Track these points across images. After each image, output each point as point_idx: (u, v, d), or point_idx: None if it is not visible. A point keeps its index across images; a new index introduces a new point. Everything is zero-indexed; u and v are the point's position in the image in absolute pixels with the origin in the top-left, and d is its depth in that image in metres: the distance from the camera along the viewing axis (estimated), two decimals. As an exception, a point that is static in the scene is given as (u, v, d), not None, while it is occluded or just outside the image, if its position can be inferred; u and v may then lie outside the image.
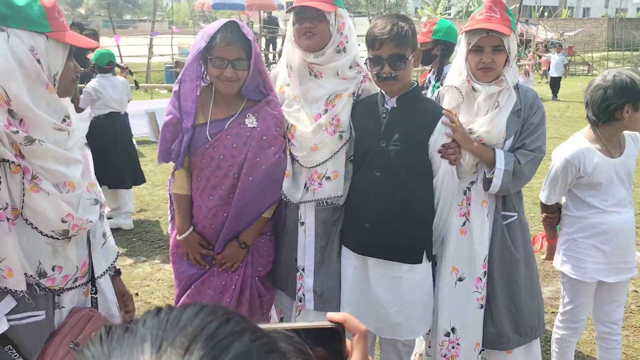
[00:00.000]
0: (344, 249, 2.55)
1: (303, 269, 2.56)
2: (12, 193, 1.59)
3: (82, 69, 1.95)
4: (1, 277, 1.59)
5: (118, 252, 2.06)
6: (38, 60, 1.58)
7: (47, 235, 1.66)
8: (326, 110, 2.42)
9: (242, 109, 2.44)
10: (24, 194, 1.60)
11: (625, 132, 2.69)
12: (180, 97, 2.43)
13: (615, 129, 2.62)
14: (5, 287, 1.61)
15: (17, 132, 1.53)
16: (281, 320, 2.73)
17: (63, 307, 1.81)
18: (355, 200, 2.47)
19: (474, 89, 2.38)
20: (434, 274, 2.54)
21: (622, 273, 2.71)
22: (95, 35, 9.42)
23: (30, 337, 1.72)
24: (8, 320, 1.65)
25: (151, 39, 15.56)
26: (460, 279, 2.46)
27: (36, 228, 1.64)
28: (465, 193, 2.45)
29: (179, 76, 2.49)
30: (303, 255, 2.56)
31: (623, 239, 2.69)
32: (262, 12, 17.03)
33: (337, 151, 2.43)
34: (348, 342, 0.72)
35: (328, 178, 2.44)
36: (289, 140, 2.49)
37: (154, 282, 4.43)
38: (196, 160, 2.47)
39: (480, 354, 2.52)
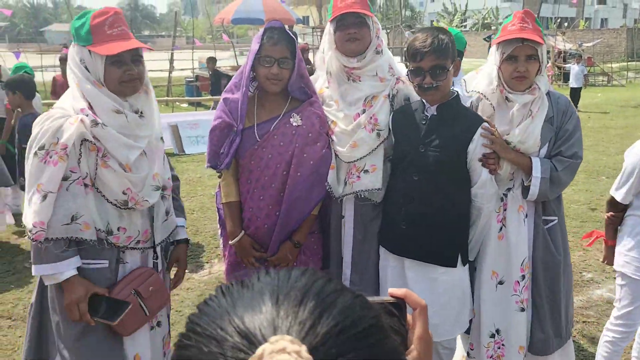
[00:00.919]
0: (381, 249, 2.64)
1: (343, 260, 2.68)
2: (89, 166, 2.04)
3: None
4: (79, 230, 2.03)
5: (175, 227, 2.43)
6: (86, 67, 2.04)
7: (111, 203, 2.09)
8: (364, 110, 2.54)
9: (286, 110, 2.58)
10: (96, 168, 2.05)
11: None
12: (229, 102, 2.56)
13: None
14: (82, 238, 2.04)
15: (87, 114, 2.00)
16: None
17: (126, 262, 2.21)
18: (393, 202, 2.56)
19: (507, 99, 2.43)
20: (474, 278, 2.60)
21: None
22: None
23: (95, 280, 2.13)
24: (82, 264, 2.10)
25: (172, 54, 15.82)
26: (500, 282, 2.51)
27: (104, 196, 2.08)
28: (502, 199, 2.51)
29: (228, 85, 2.64)
30: (344, 248, 2.68)
31: None
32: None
33: (375, 148, 2.54)
34: (409, 316, 0.78)
35: (366, 171, 2.54)
36: (330, 137, 2.60)
37: (184, 291, 4.49)
38: (245, 162, 2.57)
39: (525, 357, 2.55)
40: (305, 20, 34.60)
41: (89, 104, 2.03)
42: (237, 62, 16.01)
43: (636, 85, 21.26)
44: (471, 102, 2.61)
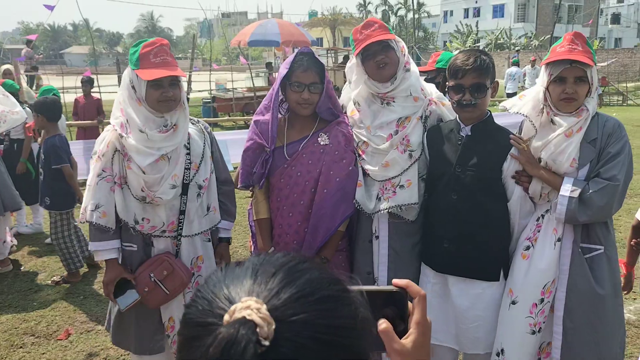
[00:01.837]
0: (423, 266, 2.67)
1: (377, 280, 2.68)
2: (120, 168, 2.53)
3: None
4: (99, 217, 2.54)
5: (218, 222, 2.78)
6: (133, 87, 2.47)
7: (135, 197, 2.53)
8: (397, 132, 2.59)
9: (314, 130, 2.68)
10: (125, 170, 2.51)
11: None
12: (260, 124, 2.66)
13: None
14: (99, 223, 2.54)
15: (116, 130, 2.49)
16: None
17: (154, 246, 2.65)
18: (433, 221, 2.60)
19: (552, 121, 2.38)
20: None
21: None
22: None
23: (129, 259, 2.67)
24: (122, 245, 2.65)
25: (190, 75, 16.09)
26: (513, 302, 2.47)
27: (130, 192, 2.54)
28: (538, 220, 2.49)
29: (259, 107, 2.74)
30: (377, 267, 2.69)
31: None
32: (296, 48, 17.49)
33: (407, 168, 2.59)
34: (410, 304, 0.88)
35: (402, 186, 2.58)
36: (359, 156, 2.66)
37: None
38: (275, 180, 2.66)
39: None
40: (319, 42, 34.99)
41: (126, 120, 2.49)
42: (253, 83, 16.22)
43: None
44: (522, 122, 2.56)
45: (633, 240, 2.83)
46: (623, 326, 2.52)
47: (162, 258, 2.62)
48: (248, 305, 0.60)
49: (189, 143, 2.64)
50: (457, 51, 2.64)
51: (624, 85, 23.75)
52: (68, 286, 4.94)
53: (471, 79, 2.41)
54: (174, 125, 2.53)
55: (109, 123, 2.60)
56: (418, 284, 2.64)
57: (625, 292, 2.84)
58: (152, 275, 2.58)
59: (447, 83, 2.57)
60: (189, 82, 16.23)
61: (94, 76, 11.31)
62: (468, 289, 2.54)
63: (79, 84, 10.60)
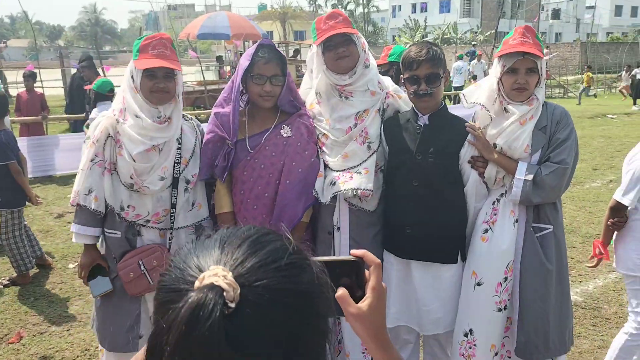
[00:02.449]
0: (385, 253, 2.74)
1: None
2: (111, 153, 2.58)
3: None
4: (91, 200, 2.58)
5: (203, 219, 2.76)
6: (132, 77, 2.53)
7: (123, 184, 2.57)
8: (356, 124, 2.64)
9: (277, 122, 2.68)
10: (116, 156, 2.55)
11: None
12: (220, 116, 2.64)
13: None
14: (91, 207, 2.58)
15: (115, 114, 2.56)
16: None
17: (142, 235, 2.66)
18: (395, 209, 2.66)
19: (506, 110, 2.51)
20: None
21: None
22: (92, 66, 9.56)
23: (112, 246, 2.68)
24: (105, 232, 2.68)
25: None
26: (478, 284, 2.58)
27: (119, 178, 2.57)
28: (494, 203, 2.60)
29: (218, 99, 2.72)
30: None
31: None
32: (247, 41, 17.31)
33: (366, 159, 2.64)
34: (367, 272, 0.97)
35: (359, 173, 2.63)
36: (320, 148, 2.70)
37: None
38: (238, 173, 2.65)
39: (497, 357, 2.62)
40: (269, 35, 34.77)
41: (125, 107, 2.56)
42: (203, 77, 15.98)
43: (591, 97, 22.08)
44: (475, 113, 2.69)
45: (610, 220, 2.97)
46: (570, 300, 2.68)
47: (156, 248, 2.63)
48: (216, 273, 0.67)
49: (180, 137, 2.65)
50: (409, 44, 2.70)
51: (565, 78, 24.72)
52: (18, 288, 4.76)
53: (425, 69, 2.50)
54: (168, 118, 2.56)
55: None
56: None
57: (594, 266, 3.12)
58: (141, 262, 2.60)
59: (401, 75, 2.64)
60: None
61: (36, 70, 10.90)
62: (429, 273, 2.63)
63: (20, 79, 10.20)
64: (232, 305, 0.65)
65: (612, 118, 14.92)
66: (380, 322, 0.95)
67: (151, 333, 0.70)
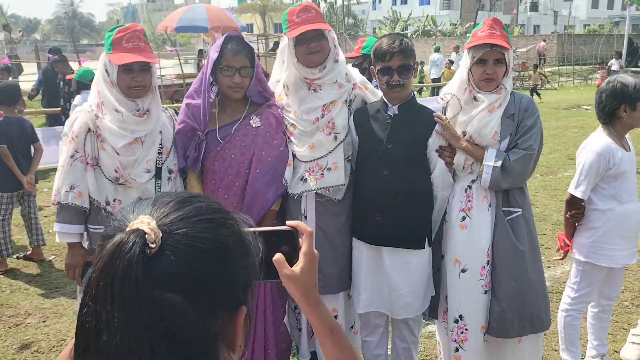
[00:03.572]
0: (355, 241, 2.80)
1: None
2: (92, 148, 2.57)
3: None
4: (75, 197, 2.57)
5: None
6: (107, 71, 2.53)
7: (107, 178, 2.57)
8: (323, 115, 2.70)
9: (246, 113, 2.74)
10: (98, 150, 2.55)
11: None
12: (192, 107, 2.68)
13: (623, 126, 2.93)
14: (75, 203, 2.56)
15: (93, 110, 2.56)
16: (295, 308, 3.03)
17: None
18: (365, 197, 2.72)
19: (475, 98, 2.61)
20: (440, 264, 2.79)
21: (635, 255, 3.05)
22: (65, 61, 9.48)
23: (95, 242, 2.62)
24: (88, 229, 2.66)
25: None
26: (463, 270, 2.66)
27: (102, 172, 2.57)
28: (466, 191, 2.68)
29: (189, 91, 2.75)
30: None
31: (638, 226, 3.03)
32: (225, 34, 17.24)
33: (333, 149, 2.70)
34: (300, 241, 1.09)
35: (329, 169, 2.69)
36: (289, 138, 2.75)
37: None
38: (209, 163, 2.70)
39: (485, 337, 2.72)
40: (249, 28, 34.60)
41: (102, 101, 2.55)
42: (182, 70, 15.88)
43: (567, 89, 22.41)
44: (443, 105, 2.76)
45: (568, 213, 3.08)
46: (543, 279, 2.78)
47: None
48: (142, 221, 0.77)
49: (161, 129, 2.68)
50: (380, 36, 2.77)
51: (542, 70, 25.00)
52: (-7, 281, 4.76)
53: (398, 60, 2.56)
54: (147, 110, 2.59)
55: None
56: (351, 260, 2.81)
57: (562, 258, 3.22)
58: None
59: (371, 67, 2.70)
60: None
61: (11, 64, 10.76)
62: (399, 258, 2.70)
63: (-6, 72, 10.06)
64: (153, 246, 0.74)
65: (586, 109, 15.17)
66: (311, 283, 1.08)
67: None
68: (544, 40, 29.04)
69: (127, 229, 0.77)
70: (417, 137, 2.66)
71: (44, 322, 4.01)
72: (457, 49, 19.87)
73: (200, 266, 0.77)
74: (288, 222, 1.10)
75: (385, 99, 2.69)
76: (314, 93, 2.72)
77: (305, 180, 2.71)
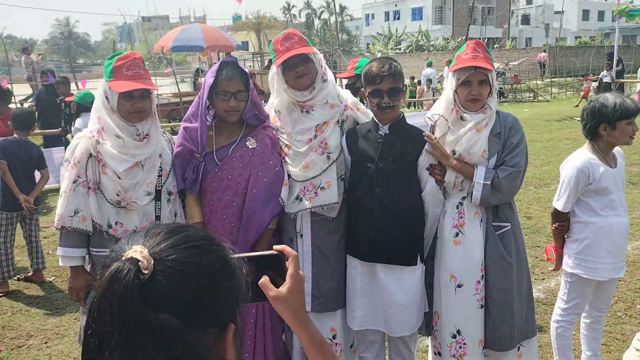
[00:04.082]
0: (349, 258, 2.88)
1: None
2: (94, 173, 2.65)
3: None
4: (78, 221, 2.64)
5: None
6: (107, 97, 2.63)
7: (109, 202, 2.65)
8: (316, 136, 2.80)
9: (242, 135, 2.84)
10: (99, 175, 2.64)
11: (614, 149, 3.09)
12: (189, 130, 2.79)
13: (606, 144, 3.03)
14: (79, 227, 2.64)
15: (93, 135, 2.64)
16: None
17: None
18: (359, 215, 2.81)
19: (462, 118, 2.71)
20: (432, 281, 2.86)
21: (623, 269, 3.12)
22: (67, 82, 9.59)
23: (98, 265, 2.45)
24: (91, 252, 2.72)
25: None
26: (459, 286, 2.73)
27: (104, 196, 2.65)
28: (457, 207, 2.76)
29: (186, 115, 2.87)
30: (302, 264, 2.86)
31: (623, 239, 3.09)
32: (221, 53, 17.38)
33: (326, 169, 2.79)
34: (287, 264, 1.18)
35: (322, 188, 2.79)
36: (283, 158, 2.85)
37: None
38: (207, 184, 2.79)
39: (484, 351, 2.78)
40: (244, 46, 34.88)
41: (102, 127, 2.64)
42: (178, 89, 16.03)
43: (560, 101, 22.61)
44: (434, 122, 2.84)
45: (553, 225, 3.17)
46: (531, 289, 2.87)
47: None
48: (135, 250, 0.86)
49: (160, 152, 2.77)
50: (370, 60, 2.89)
51: (534, 82, 25.23)
52: (-6, 303, 4.80)
53: (387, 84, 2.67)
54: (147, 134, 2.69)
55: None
56: (346, 277, 2.89)
57: (555, 269, 3.29)
58: None
59: (362, 89, 2.80)
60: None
61: (9, 86, 10.86)
62: (393, 275, 2.77)
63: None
64: (146, 272, 0.83)
65: (579, 120, 15.33)
66: (298, 303, 1.18)
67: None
68: (544, 51, 29.30)
69: (123, 257, 0.85)
70: (407, 155, 2.75)
71: (45, 343, 4.05)
72: (449, 63, 20.12)
73: (189, 288, 0.85)
74: (275, 247, 1.18)
75: (376, 120, 2.79)
76: (307, 114, 2.82)
77: (301, 199, 2.79)
